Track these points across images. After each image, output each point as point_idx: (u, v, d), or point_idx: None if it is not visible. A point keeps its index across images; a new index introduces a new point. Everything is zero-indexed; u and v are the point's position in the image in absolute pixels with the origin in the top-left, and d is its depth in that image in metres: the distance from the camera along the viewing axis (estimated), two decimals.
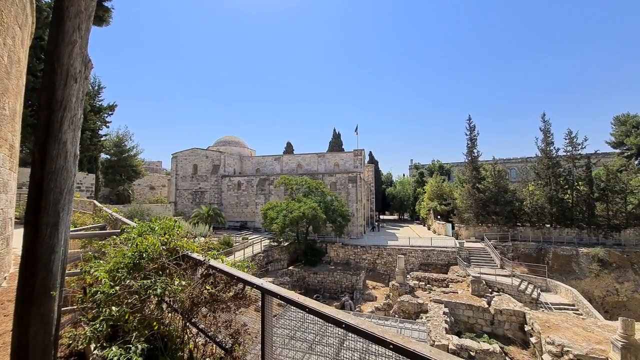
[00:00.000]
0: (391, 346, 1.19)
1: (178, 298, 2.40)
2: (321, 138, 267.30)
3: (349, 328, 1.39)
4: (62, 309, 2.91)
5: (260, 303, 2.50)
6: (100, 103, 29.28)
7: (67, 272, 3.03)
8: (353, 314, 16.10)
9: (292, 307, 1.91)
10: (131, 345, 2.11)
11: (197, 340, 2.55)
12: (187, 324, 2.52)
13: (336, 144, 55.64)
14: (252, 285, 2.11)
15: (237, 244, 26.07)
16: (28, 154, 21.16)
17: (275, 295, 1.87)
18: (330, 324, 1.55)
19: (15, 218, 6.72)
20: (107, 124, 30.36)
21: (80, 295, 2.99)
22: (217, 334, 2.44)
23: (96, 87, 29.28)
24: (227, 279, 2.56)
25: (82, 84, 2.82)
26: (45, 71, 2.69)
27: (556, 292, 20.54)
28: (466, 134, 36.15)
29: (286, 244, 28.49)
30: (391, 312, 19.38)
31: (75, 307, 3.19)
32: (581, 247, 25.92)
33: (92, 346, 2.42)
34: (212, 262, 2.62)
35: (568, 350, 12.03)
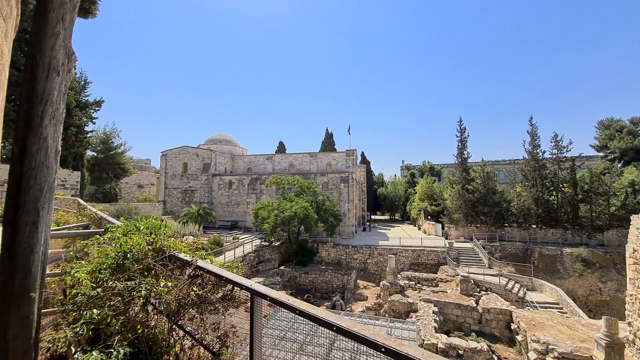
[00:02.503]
0: (383, 349, 1.17)
1: (164, 300, 2.32)
2: (314, 138, 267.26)
3: (340, 331, 1.36)
4: (43, 311, 2.80)
5: (249, 304, 2.45)
6: (86, 98, 28.53)
7: (47, 272, 2.92)
8: (344, 314, 16.13)
9: (282, 309, 1.87)
10: (113, 350, 2.03)
11: (183, 343, 2.47)
12: (174, 326, 2.44)
13: (328, 144, 55.72)
14: (241, 286, 2.06)
15: (227, 243, 25.81)
16: (10, 151, 20.47)
17: (265, 296, 1.83)
18: (312, 324, 1.53)
19: None
20: (94, 120, 29.62)
21: (61, 297, 2.88)
22: (204, 337, 2.38)
23: (82, 82, 28.51)
24: (215, 280, 2.49)
25: (65, 77, 2.71)
26: (27, 63, 2.58)
27: (541, 291, 21.03)
28: (457, 136, 36.69)
29: (277, 243, 28.36)
30: (382, 311, 19.50)
31: (56, 309, 3.07)
32: (565, 247, 26.61)
33: (73, 350, 2.32)
34: (200, 263, 2.55)
35: (553, 348, 12.31)
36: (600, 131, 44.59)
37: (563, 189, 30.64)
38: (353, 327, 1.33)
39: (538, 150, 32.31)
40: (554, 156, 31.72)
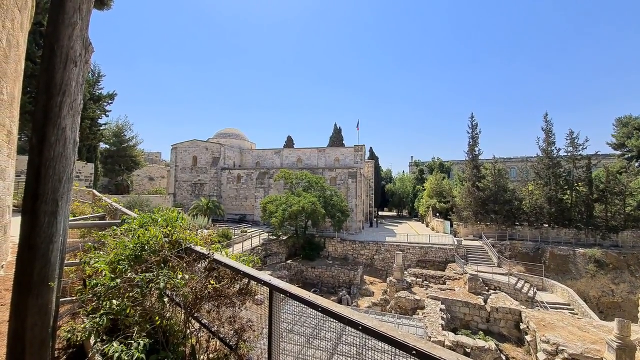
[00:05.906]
0: (414, 352, 1.12)
1: (181, 292, 2.32)
2: (322, 133, 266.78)
3: (367, 330, 1.32)
4: (61, 299, 2.84)
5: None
6: (99, 91, 28.94)
7: (65, 262, 2.95)
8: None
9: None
10: (132, 341, 2.04)
11: (199, 335, 2.48)
12: (190, 318, 2.44)
13: (337, 139, 55.41)
14: (260, 281, 2.03)
15: (235, 236, 26.07)
16: (26, 142, 20.99)
17: (285, 292, 1.79)
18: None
19: (14, 206, 6.62)
20: (107, 113, 30.05)
21: (80, 287, 2.91)
22: (220, 330, 2.37)
23: (96, 75, 28.89)
24: (231, 274, 2.47)
25: (82, 68, 2.70)
26: (44, 54, 2.57)
27: (552, 291, 20.67)
28: (468, 132, 36.05)
29: (285, 237, 28.51)
30: (388, 307, 19.48)
31: (74, 298, 3.11)
32: (578, 248, 26.04)
33: (92, 339, 2.34)
34: (217, 256, 2.53)
35: (563, 349, 12.12)
36: (618, 129, 43.10)
37: (577, 187, 29.89)
38: (380, 327, 1.28)
39: (552, 148, 31.52)
40: (569, 154, 30.88)
